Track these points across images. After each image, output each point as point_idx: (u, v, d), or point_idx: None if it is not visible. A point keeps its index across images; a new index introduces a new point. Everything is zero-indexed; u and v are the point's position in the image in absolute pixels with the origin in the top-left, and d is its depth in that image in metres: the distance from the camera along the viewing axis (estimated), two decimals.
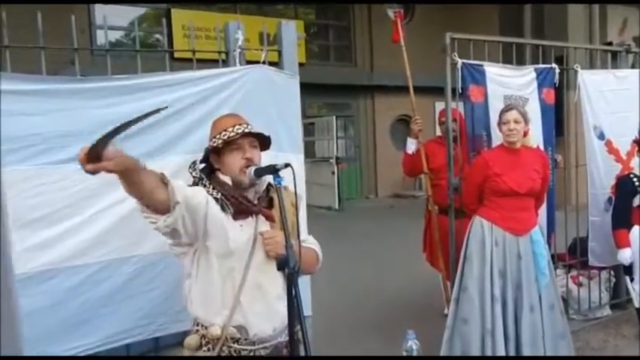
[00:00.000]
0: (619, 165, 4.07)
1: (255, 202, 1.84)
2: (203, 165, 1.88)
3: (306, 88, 3.14)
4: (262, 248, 1.79)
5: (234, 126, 1.81)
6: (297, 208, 1.91)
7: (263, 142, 1.89)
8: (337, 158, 11.52)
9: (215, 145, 1.81)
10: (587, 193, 4.07)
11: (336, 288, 4.99)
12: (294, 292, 1.58)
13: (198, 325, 1.80)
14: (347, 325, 4.20)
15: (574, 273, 4.19)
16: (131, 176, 1.53)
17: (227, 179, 1.81)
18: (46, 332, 2.17)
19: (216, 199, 1.75)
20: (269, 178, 1.82)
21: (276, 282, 1.80)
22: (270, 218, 1.85)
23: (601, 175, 4.03)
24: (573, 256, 4.23)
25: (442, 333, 3.18)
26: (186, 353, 1.78)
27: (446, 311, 3.88)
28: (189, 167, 1.86)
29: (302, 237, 1.70)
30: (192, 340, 1.78)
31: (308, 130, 11.57)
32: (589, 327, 4.01)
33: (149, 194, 1.60)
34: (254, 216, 1.82)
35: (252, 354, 1.78)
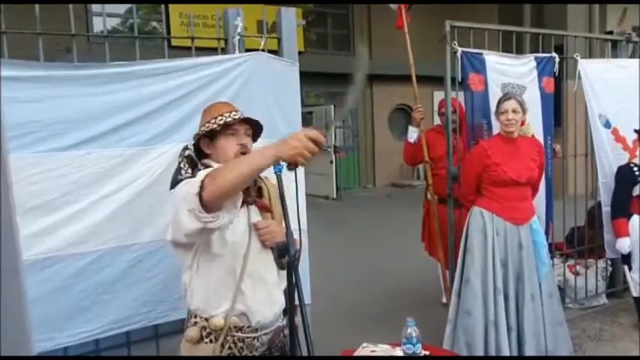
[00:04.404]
0: (627, 153, 3.98)
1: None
2: (188, 152, 1.84)
3: (305, 77, 3.11)
4: (257, 238, 1.79)
5: (230, 112, 1.81)
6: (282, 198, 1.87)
7: (255, 131, 1.88)
8: (335, 147, 11.51)
9: (211, 128, 1.78)
10: (598, 182, 3.98)
11: (334, 276, 5.02)
12: (294, 280, 1.58)
13: (196, 317, 1.78)
14: (345, 312, 4.22)
15: (571, 262, 4.22)
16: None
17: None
18: (48, 319, 2.18)
19: None
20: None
21: (272, 270, 1.82)
22: (264, 208, 1.85)
23: (611, 164, 3.94)
24: (570, 246, 4.25)
25: (440, 321, 3.19)
26: (188, 346, 1.78)
27: (444, 300, 3.90)
28: (181, 153, 1.83)
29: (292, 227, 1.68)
30: (192, 332, 1.76)
31: (306, 119, 11.52)
32: (585, 315, 4.04)
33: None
34: (246, 206, 1.81)
35: (255, 340, 1.79)
